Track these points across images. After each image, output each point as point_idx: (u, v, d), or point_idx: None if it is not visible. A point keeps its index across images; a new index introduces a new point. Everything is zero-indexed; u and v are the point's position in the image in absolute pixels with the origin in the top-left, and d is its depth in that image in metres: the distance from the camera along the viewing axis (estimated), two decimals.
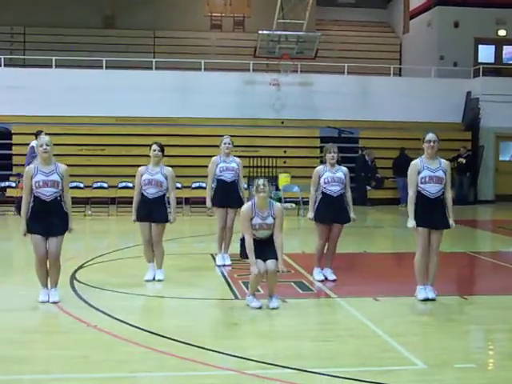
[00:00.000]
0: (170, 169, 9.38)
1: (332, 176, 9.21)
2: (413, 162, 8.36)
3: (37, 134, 16.82)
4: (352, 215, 9.39)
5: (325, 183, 9.25)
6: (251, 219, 7.72)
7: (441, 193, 8.15)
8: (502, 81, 24.93)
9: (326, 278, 9.42)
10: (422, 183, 8.14)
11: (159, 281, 9.21)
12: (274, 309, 7.65)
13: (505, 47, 27.91)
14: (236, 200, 10.35)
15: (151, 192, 9.18)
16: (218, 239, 10.65)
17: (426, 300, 8.12)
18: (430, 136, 8.37)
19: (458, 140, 23.47)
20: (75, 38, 27.52)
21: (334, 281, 9.33)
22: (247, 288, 8.92)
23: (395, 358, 6.08)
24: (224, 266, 10.43)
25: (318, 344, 6.48)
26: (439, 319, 7.52)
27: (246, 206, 7.85)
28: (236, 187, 10.43)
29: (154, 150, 9.22)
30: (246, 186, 11.34)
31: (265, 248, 7.83)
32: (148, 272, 9.36)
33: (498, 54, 27.96)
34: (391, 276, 10.17)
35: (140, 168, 9.36)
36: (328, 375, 5.54)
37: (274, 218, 7.85)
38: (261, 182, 7.65)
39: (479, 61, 27.02)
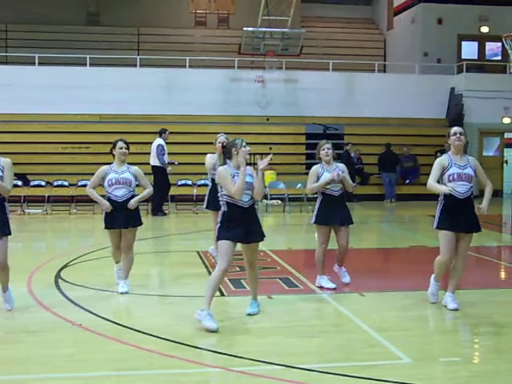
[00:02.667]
0: (136, 167, 8.63)
1: (332, 175, 8.50)
2: (439, 159, 7.62)
3: (161, 132, 17.81)
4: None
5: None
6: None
7: (470, 192, 7.49)
8: (485, 77, 25.08)
9: (341, 280, 8.89)
10: (449, 181, 7.43)
11: (123, 293, 8.29)
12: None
13: (488, 44, 28.06)
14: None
15: (120, 194, 8.36)
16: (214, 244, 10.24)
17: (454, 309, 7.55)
18: (456, 128, 7.60)
19: (442, 136, 23.46)
20: (59, 35, 27.42)
21: (347, 284, 8.87)
22: (233, 285, 8.94)
23: (381, 352, 6.11)
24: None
25: (305, 340, 6.49)
26: (424, 314, 7.56)
27: (222, 167, 7.01)
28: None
29: (121, 148, 8.44)
30: None
31: (251, 226, 7.24)
32: (117, 274, 8.76)
33: (481, 50, 28.12)
34: (377, 272, 10.20)
35: (102, 168, 8.54)
36: (315, 371, 5.55)
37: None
38: (239, 140, 7.06)
39: (463, 57, 27.17)
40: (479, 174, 7.60)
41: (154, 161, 17.57)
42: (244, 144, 7.08)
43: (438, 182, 7.52)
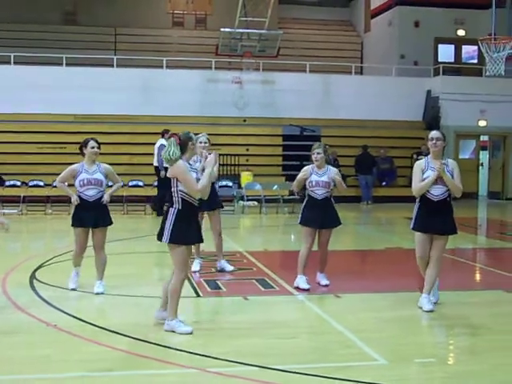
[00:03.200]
0: (106, 165, 8.57)
1: (317, 180, 8.61)
2: (417, 162, 7.74)
3: (163, 133, 17.44)
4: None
5: (310, 186, 8.71)
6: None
7: (446, 195, 7.57)
8: (461, 80, 25.28)
9: (319, 284, 8.89)
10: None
11: (98, 294, 8.26)
12: None
13: (464, 47, 28.29)
14: (214, 203, 9.66)
15: (91, 194, 8.31)
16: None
17: (429, 311, 7.58)
18: (433, 133, 7.63)
19: (418, 138, 23.71)
20: (35, 34, 27.22)
21: (326, 286, 8.84)
22: (209, 286, 8.92)
23: (356, 353, 6.13)
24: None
25: (280, 341, 6.49)
26: (400, 315, 7.59)
27: (182, 161, 6.57)
28: (213, 189, 9.31)
29: (93, 147, 8.39)
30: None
31: (199, 225, 7.04)
32: (74, 278, 8.62)
33: (458, 53, 28.35)
34: (353, 273, 10.23)
35: (74, 166, 8.48)
36: (290, 372, 5.55)
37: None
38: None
39: (439, 60, 27.37)
40: (456, 177, 7.62)
41: (156, 161, 17.51)
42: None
43: None
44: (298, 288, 8.67)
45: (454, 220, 7.76)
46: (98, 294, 8.25)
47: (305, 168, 8.84)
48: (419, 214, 7.68)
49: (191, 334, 6.55)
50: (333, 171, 8.80)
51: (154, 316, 6.94)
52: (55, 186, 18.66)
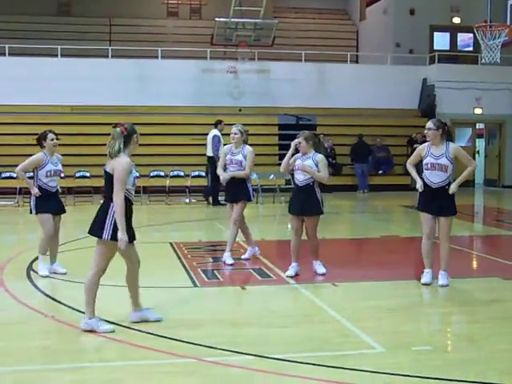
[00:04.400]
0: (60, 155, 9.35)
1: (298, 164, 8.56)
2: (421, 145, 8.41)
3: (216, 124, 17.75)
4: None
5: (293, 170, 8.69)
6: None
7: (446, 182, 8.08)
8: (456, 68, 25.24)
9: (316, 273, 8.82)
10: (426, 169, 8.13)
11: (63, 274, 8.78)
12: None
13: (459, 34, 28.24)
14: (241, 194, 9.65)
15: (54, 185, 8.94)
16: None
17: (427, 285, 8.22)
18: (427, 123, 8.18)
19: (414, 126, 23.71)
20: (29, 25, 27.13)
21: (323, 274, 8.75)
22: (206, 276, 8.92)
23: (354, 342, 6.13)
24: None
25: (277, 330, 6.50)
26: (397, 303, 7.60)
27: (128, 160, 6.31)
28: (240, 182, 9.64)
29: (52, 139, 8.88)
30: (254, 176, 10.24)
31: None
32: (44, 266, 8.87)
33: (453, 41, 28.31)
34: (350, 262, 10.24)
35: (40, 156, 8.89)
36: (287, 360, 5.56)
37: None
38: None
39: (434, 48, 27.32)
40: (461, 158, 8.24)
41: (209, 151, 17.54)
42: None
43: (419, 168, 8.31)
44: (292, 276, 8.68)
45: (455, 202, 8.24)
46: (43, 276, 8.67)
47: (295, 156, 8.73)
48: (422, 197, 8.25)
49: (114, 331, 6.28)
50: (319, 157, 8.60)
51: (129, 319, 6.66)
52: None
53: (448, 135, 8.21)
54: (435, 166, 7.99)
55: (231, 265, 9.57)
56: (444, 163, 8.02)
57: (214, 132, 17.61)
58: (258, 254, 10.12)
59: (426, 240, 8.31)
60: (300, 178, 8.59)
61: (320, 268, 8.89)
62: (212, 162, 17.17)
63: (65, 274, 8.83)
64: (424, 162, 8.09)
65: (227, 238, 10.00)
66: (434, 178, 8.04)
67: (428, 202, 8.15)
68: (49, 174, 8.78)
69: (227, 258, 9.69)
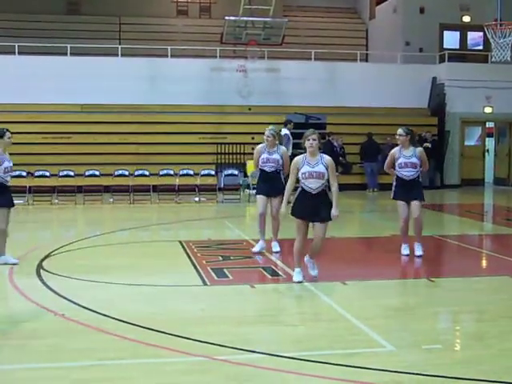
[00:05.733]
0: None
1: (310, 171, 8.14)
2: (393, 149, 10.42)
3: (286, 123, 17.97)
4: (333, 211, 8.10)
5: (302, 178, 8.15)
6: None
7: (416, 175, 10.14)
8: (466, 66, 25.14)
9: (308, 272, 8.54)
10: (400, 168, 10.17)
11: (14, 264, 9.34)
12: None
13: (469, 33, 28.11)
14: (280, 188, 9.77)
15: (9, 179, 9.50)
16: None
17: (408, 255, 10.10)
18: (398, 130, 10.23)
19: (424, 125, 23.68)
20: (39, 24, 27.18)
21: (314, 277, 8.48)
22: (216, 275, 8.94)
23: (363, 340, 6.14)
24: (273, 252, 10.44)
25: (287, 328, 6.51)
26: (406, 302, 7.60)
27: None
28: (277, 177, 10.39)
29: (10, 137, 9.43)
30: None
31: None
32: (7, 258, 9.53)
33: (463, 39, 28.18)
34: (359, 260, 10.25)
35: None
36: (297, 359, 5.57)
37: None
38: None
39: (444, 46, 27.20)
40: (423, 159, 10.19)
41: None
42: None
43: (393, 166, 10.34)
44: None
45: (422, 191, 10.30)
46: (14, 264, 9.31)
47: (294, 160, 8.45)
48: (397, 188, 10.35)
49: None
50: (327, 160, 8.31)
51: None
52: (62, 176, 18.84)
53: (413, 140, 10.30)
54: (408, 164, 10.07)
55: (276, 252, 10.38)
56: (414, 161, 10.05)
57: (285, 131, 17.74)
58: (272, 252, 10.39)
59: (404, 223, 10.25)
60: (313, 186, 8.16)
61: (314, 269, 8.57)
62: None
63: (16, 264, 9.38)
64: (398, 162, 10.16)
65: (272, 229, 10.54)
66: (407, 173, 10.11)
67: (403, 192, 10.19)
68: (6, 170, 9.30)
69: (275, 246, 10.54)
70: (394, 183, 10.44)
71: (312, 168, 8.12)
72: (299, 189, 8.33)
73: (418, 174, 10.11)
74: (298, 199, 8.31)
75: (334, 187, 8.19)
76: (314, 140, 8.23)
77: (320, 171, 8.15)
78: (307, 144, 8.25)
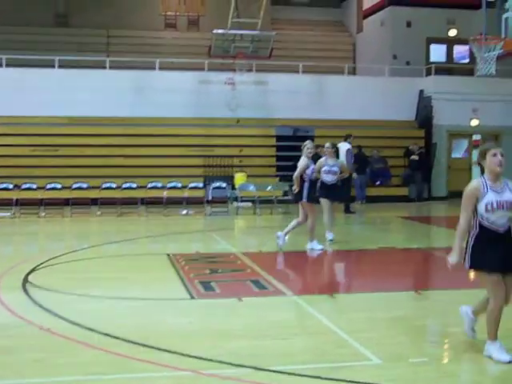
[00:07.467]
0: None
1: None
2: (320, 160, 12.81)
3: (347, 137, 18.54)
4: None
5: (486, 211, 6.42)
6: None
7: (335, 181, 12.80)
8: (453, 79, 25.32)
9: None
10: (325, 173, 12.65)
11: None
12: None
13: (456, 47, 28.34)
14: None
15: None
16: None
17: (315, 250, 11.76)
18: (326, 144, 13.12)
19: (411, 138, 23.79)
20: (27, 36, 27.14)
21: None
22: (203, 287, 8.90)
23: (351, 353, 6.12)
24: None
25: (274, 342, 6.49)
26: (394, 314, 7.59)
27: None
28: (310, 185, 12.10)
29: None
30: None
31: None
32: None
33: (450, 53, 28.39)
34: (347, 273, 10.24)
35: None
36: (284, 372, 5.55)
37: None
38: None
39: (431, 60, 27.41)
40: (344, 168, 13.27)
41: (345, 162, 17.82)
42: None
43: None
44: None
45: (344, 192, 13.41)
46: None
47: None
48: (321, 189, 12.55)
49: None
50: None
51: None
52: (49, 189, 18.75)
53: (337, 153, 13.41)
54: (330, 171, 12.66)
55: (320, 249, 11.88)
56: (335, 170, 12.72)
57: (347, 146, 17.78)
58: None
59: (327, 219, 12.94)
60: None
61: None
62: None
63: None
64: (323, 169, 12.58)
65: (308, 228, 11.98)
66: (329, 179, 12.67)
67: (326, 193, 12.56)
68: None
69: (315, 245, 12.01)
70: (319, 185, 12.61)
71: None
72: (471, 231, 6.42)
73: (336, 180, 12.82)
74: (477, 243, 6.28)
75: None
76: (501, 156, 5.79)
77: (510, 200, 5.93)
78: (495, 161, 5.82)
